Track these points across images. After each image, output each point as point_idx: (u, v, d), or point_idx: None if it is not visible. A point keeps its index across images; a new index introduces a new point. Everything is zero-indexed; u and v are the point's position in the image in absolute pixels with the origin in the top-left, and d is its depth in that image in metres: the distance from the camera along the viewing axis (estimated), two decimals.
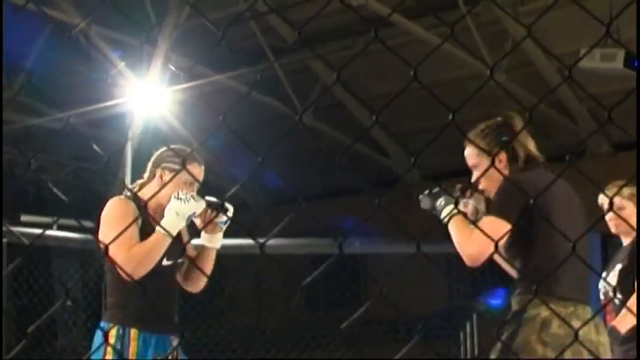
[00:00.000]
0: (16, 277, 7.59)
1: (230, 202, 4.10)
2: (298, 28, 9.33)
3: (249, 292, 11.54)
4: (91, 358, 3.82)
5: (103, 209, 3.92)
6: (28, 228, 7.90)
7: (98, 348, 3.77)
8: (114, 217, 3.85)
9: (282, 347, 10.31)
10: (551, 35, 9.03)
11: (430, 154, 9.80)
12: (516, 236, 3.31)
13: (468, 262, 3.33)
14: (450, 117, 1.56)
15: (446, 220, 3.45)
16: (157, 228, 3.81)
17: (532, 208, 3.26)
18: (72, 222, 8.85)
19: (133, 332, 3.85)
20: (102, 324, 3.91)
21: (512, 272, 3.55)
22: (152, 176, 4.04)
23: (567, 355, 3.10)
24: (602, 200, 4.75)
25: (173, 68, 8.66)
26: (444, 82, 9.43)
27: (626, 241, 4.82)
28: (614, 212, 4.70)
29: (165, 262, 3.92)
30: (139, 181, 4.13)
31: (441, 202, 3.57)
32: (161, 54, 8.93)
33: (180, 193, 3.82)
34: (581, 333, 3.19)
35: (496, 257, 3.47)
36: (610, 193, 4.63)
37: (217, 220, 3.96)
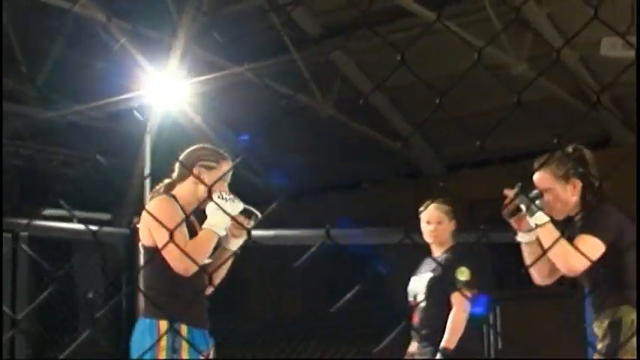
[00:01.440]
0: (37, 270, 7.62)
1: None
2: (320, 20, 9.31)
3: (269, 282, 11.53)
4: (142, 354, 3.87)
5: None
6: (50, 222, 7.90)
7: (150, 344, 3.83)
8: (164, 216, 3.86)
9: (302, 337, 10.29)
10: (576, 26, 8.95)
11: (450, 144, 9.74)
12: (610, 257, 3.70)
13: (567, 271, 3.75)
14: (437, 101, 1.52)
15: (536, 225, 3.75)
16: (205, 226, 3.90)
17: (622, 237, 3.73)
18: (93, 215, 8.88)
19: (183, 328, 3.90)
20: (147, 320, 3.93)
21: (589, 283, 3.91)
22: (185, 176, 4.07)
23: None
24: (423, 216, 5.33)
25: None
26: (460, 72, 9.34)
27: (438, 251, 5.31)
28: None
29: (205, 260, 3.99)
30: (166, 181, 4.14)
31: (531, 206, 3.79)
32: (180, 46, 8.92)
33: (223, 193, 3.91)
34: None
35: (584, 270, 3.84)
36: (431, 209, 5.29)
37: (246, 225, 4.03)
